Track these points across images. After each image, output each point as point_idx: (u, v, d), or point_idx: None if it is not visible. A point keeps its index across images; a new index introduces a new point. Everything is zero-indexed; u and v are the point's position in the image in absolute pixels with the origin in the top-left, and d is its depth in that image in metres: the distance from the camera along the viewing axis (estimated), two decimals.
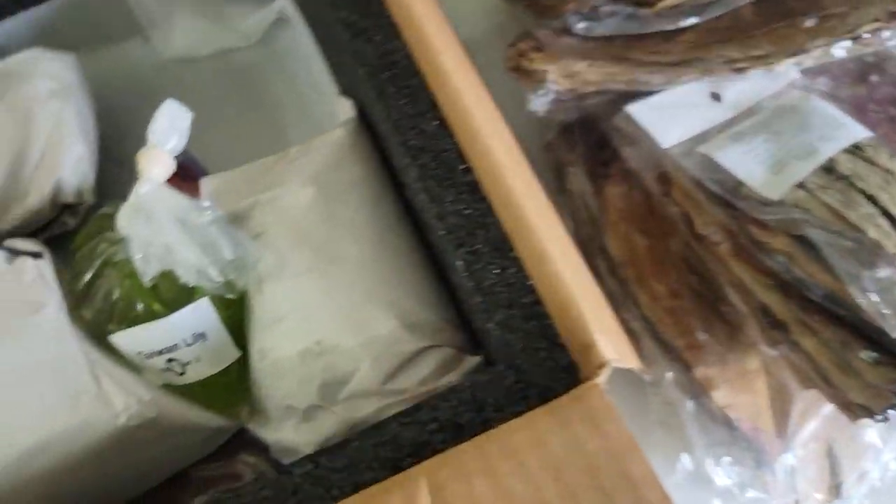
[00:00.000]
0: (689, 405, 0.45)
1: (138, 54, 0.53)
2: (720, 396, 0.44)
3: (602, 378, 0.29)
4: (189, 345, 0.37)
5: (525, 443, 0.27)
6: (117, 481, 0.37)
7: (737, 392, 0.45)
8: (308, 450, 0.35)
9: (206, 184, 0.42)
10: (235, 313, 0.39)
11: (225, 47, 0.53)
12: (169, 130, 0.33)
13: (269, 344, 0.37)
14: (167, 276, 0.36)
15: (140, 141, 0.50)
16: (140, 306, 0.36)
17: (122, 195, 0.49)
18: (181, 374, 0.38)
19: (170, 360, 0.37)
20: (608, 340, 0.30)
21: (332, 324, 0.36)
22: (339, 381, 0.36)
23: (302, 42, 0.52)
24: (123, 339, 0.36)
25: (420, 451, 0.31)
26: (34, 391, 0.34)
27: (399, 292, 0.38)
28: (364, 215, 0.39)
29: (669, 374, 0.44)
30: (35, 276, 0.37)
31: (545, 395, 0.32)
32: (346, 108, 0.45)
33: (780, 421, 0.44)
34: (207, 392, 0.39)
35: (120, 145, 0.50)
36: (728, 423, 0.44)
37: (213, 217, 0.36)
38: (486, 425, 0.31)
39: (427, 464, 0.28)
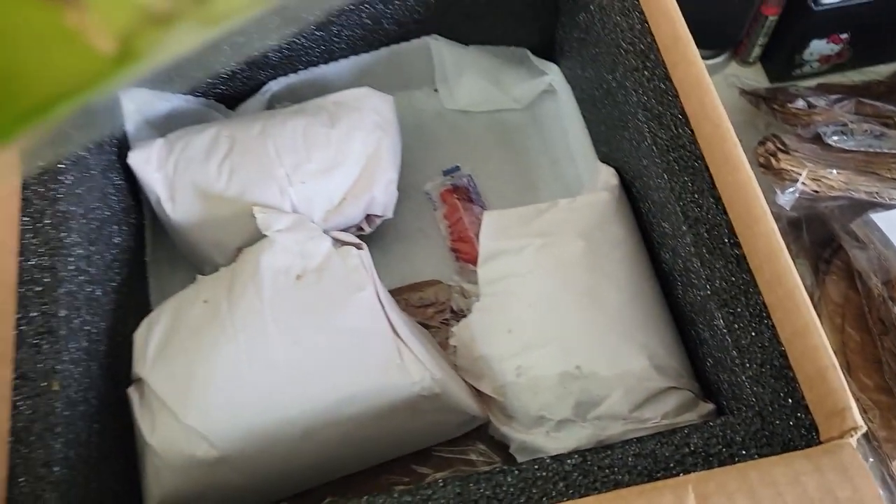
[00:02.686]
0: (885, 498, 0.48)
1: (426, 102, 0.64)
2: None
3: (853, 440, 0.34)
4: None
5: (783, 478, 0.33)
6: (387, 441, 0.45)
7: None
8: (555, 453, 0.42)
9: (488, 217, 0.50)
10: None
11: (497, 107, 0.63)
12: None
13: (529, 363, 0.44)
14: None
15: (417, 174, 0.61)
16: None
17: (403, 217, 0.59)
18: None
19: None
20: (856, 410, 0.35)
21: (591, 354, 0.43)
22: (592, 402, 0.42)
23: (564, 112, 0.61)
24: None
25: (672, 470, 0.36)
26: (354, 354, 0.43)
27: (650, 337, 0.44)
28: (625, 269, 0.46)
29: (870, 461, 0.48)
30: (357, 263, 0.47)
31: (786, 448, 0.37)
32: (608, 175, 0.52)
33: None
34: None
35: (402, 176, 0.60)
36: None
37: None
38: (732, 460, 0.36)
39: (693, 475, 0.34)
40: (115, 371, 0.46)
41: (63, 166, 0.46)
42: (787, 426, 0.37)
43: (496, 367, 0.46)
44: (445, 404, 0.44)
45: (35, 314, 0.41)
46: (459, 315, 0.53)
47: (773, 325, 0.39)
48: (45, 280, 0.42)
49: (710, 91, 0.43)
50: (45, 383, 0.40)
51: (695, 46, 0.44)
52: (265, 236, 0.48)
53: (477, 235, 0.56)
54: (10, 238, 0.43)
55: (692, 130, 0.44)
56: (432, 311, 0.54)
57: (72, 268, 0.44)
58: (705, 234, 0.41)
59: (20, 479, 0.37)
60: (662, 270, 0.48)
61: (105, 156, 0.52)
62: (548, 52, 0.63)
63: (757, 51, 0.70)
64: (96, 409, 0.43)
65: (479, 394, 0.47)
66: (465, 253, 0.57)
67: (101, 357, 0.45)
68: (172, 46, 0.13)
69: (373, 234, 0.56)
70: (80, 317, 0.43)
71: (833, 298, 0.53)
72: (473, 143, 0.62)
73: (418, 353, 0.43)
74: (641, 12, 0.47)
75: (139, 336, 0.46)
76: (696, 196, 0.43)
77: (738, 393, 0.40)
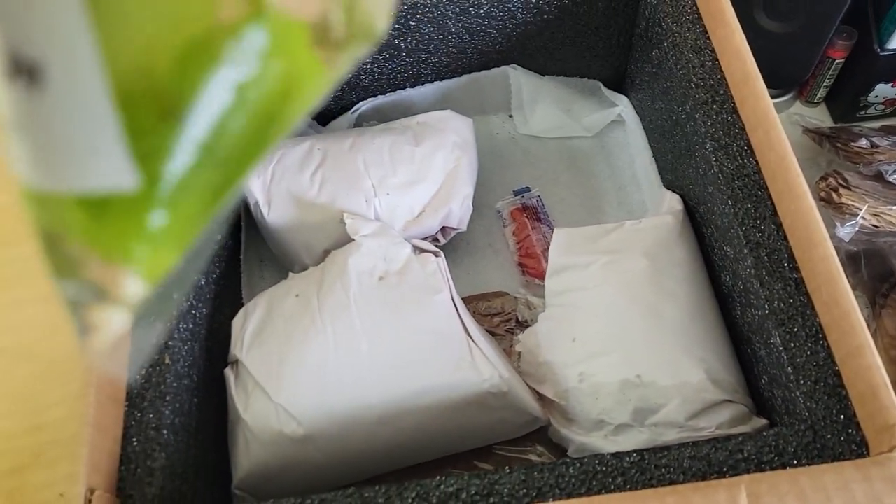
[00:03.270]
0: None
1: (501, 126, 0.68)
2: None
3: None
4: None
5: (833, 484, 0.35)
6: (455, 434, 0.49)
7: None
8: None
9: (558, 234, 0.54)
10: None
11: (568, 134, 0.67)
12: None
13: (591, 370, 0.47)
14: None
15: (490, 193, 0.65)
16: None
17: (474, 232, 0.63)
18: None
19: None
20: None
21: (651, 365, 0.46)
22: (650, 409, 0.45)
23: (632, 141, 0.64)
24: None
25: (724, 474, 0.39)
26: (430, 350, 0.47)
27: (708, 352, 0.46)
28: (686, 288, 0.49)
29: None
30: (435, 268, 0.51)
31: (836, 461, 0.39)
32: (673, 201, 0.55)
33: None
34: None
35: (475, 195, 0.65)
36: None
37: None
38: (783, 468, 0.39)
39: (747, 476, 0.36)
40: (212, 353, 0.51)
41: None
42: (839, 441, 0.39)
43: (559, 372, 0.49)
44: (511, 403, 0.47)
45: None
46: (524, 325, 0.56)
47: (828, 346, 0.41)
48: None
49: (777, 125, 0.46)
50: (158, 356, 0.45)
51: (763, 84, 0.47)
52: (352, 240, 0.53)
53: (543, 252, 0.59)
54: None
55: (757, 161, 0.47)
56: (498, 319, 0.58)
57: None
58: (765, 258, 0.44)
59: (133, 439, 0.42)
60: (722, 291, 0.51)
61: None
62: (619, 84, 0.67)
63: (822, 92, 0.72)
64: (196, 384, 0.48)
65: (540, 398, 0.50)
66: (531, 268, 0.60)
67: (202, 339, 0.50)
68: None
69: (446, 246, 0.61)
70: (189, 301, 0.48)
71: (889, 331, 0.54)
72: (544, 166, 0.66)
73: (488, 353, 0.47)
74: (713, 51, 0.51)
75: (236, 323, 0.51)
76: (758, 222, 0.45)
77: (791, 408, 0.42)
